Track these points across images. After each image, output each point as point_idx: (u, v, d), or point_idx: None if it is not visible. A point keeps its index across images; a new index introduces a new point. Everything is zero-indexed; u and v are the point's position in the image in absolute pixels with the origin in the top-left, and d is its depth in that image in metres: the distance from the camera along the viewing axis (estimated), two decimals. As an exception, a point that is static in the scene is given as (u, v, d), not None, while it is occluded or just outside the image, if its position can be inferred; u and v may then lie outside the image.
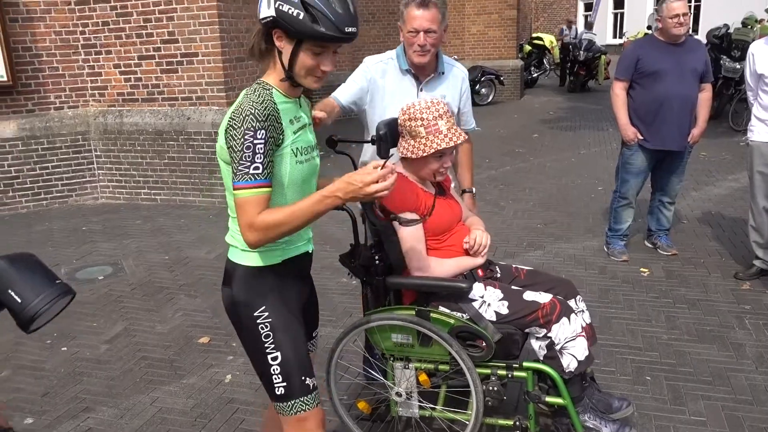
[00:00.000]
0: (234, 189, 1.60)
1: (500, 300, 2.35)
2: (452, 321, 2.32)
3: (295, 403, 1.79)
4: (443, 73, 2.78)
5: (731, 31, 10.11)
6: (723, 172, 7.00)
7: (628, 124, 4.30)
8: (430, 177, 2.44)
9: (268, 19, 1.61)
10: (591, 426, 2.38)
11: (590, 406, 2.44)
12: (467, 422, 2.37)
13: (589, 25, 17.54)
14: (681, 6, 3.97)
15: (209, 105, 6.35)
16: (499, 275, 2.55)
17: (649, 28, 16.35)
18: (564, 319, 2.31)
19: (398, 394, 2.44)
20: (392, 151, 2.43)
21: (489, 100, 13.35)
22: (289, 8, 1.58)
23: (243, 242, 1.71)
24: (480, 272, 2.47)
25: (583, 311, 2.49)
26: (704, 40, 9.37)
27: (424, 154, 2.33)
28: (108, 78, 6.63)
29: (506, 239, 5.11)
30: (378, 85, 2.74)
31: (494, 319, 2.33)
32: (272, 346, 1.78)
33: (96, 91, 6.71)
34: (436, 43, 2.64)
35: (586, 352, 2.33)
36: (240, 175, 1.59)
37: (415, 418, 2.52)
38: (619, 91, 4.35)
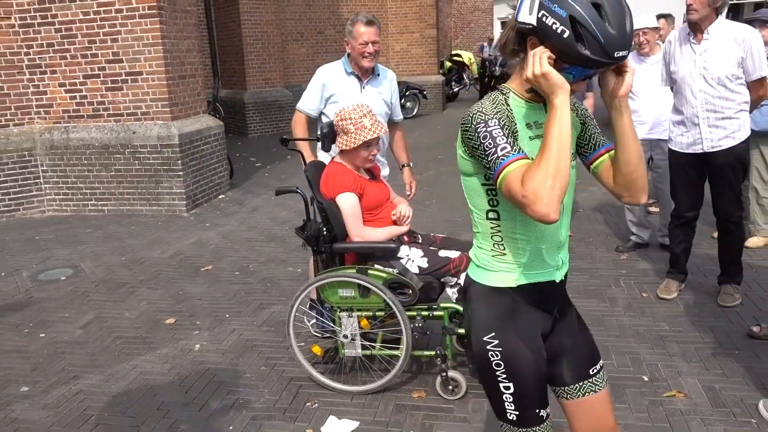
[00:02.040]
0: (495, 181, 1.48)
1: (421, 257, 3.04)
2: (385, 275, 3.00)
3: (526, 431, 1.68)
4: (379, 74, 3.64)
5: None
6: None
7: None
8: (363, 164, 3.12)
9: (527, 27, 1.47)
10: (494, 351, 3.09)
11: (493, 337, 3.16)
12: (400, 355, 3.04)
13: (503, 43, 18.79)
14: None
15: (154, 120, 6.81)
16: (420, 240, 3.25)
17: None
18: (470, 269, 3.02)
19: (345, 337, 3.08)
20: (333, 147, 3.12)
21: (414, 113, 14.23)
22: (554, 23, 1.40)
23: (481, 258, 1.69)
24: (405, 238, 3.16)
25: (485, 266, 3.21)
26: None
27: (355, 146, 3.02)
28: (53, 96, 6.98)
29: (431, 231, 5.83)
30: (330, 87, 3.54)
31: (417, 272, 3.02)
32: (504, 375, 1.64)
33: (41, 109, 7.03)
34: (379, 51, 3.52)
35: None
36: (493, 165, 1.48)
37: (359, 357, 3.17)
38: (588, 104, 5.15)
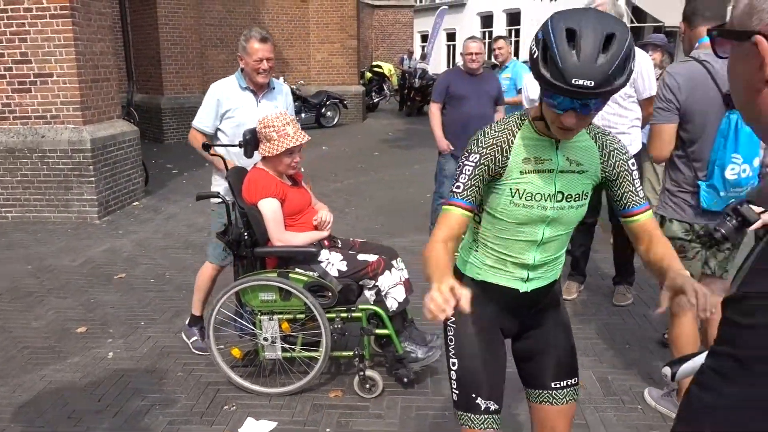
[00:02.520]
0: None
1: (341, 261, 3.14)
2: (305, 278, 3.07)
3: (461, 415, 1.79)
4: (274, 88, 3.66)
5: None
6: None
7: (442, 137, 5.34)
8: (286, 170, 3.19)
9: None
10: (409, 350, 3.23)
11: (409, 336, 3.30)
12: (319, 357, 3.11)
13: (423, 56, 19.30)
14: (475, 47, 5.11)
15: (65, 123, 6.56)
16: (339, 245, 3.35)
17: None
18: (387, 272, 3.15)
19: (265, 339, 3.13)
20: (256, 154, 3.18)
21: (334, 122, 14.33)
22: (533, 45, 1.47)
23: (462, 247, 1.86)
24: (326, 242, 3.25)
25: (402, 269, 3.34)
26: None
27: (278, 152, 3.09)
28: (-48, 96, 6.58)
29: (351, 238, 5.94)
30: (225, 103, 3.51)
31: (337, 275, 3.11)
32: (453, 351, 1.81)
33: (-62, 109, 6.62)
34: (273, 67, 3.54)
35: (405, 296, 3.19)
36: (449, 190, 1.64)
37: (279, 359, 3.22)
38: (435, 110, 5.40)
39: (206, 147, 3.41)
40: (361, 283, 3.17)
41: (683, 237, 2.74)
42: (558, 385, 1.85)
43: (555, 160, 1.65)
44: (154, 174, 8.58)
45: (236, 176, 3.31)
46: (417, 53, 24.09)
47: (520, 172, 1.63)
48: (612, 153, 1.68)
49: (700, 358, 1.32)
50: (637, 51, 3.92)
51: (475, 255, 1.81)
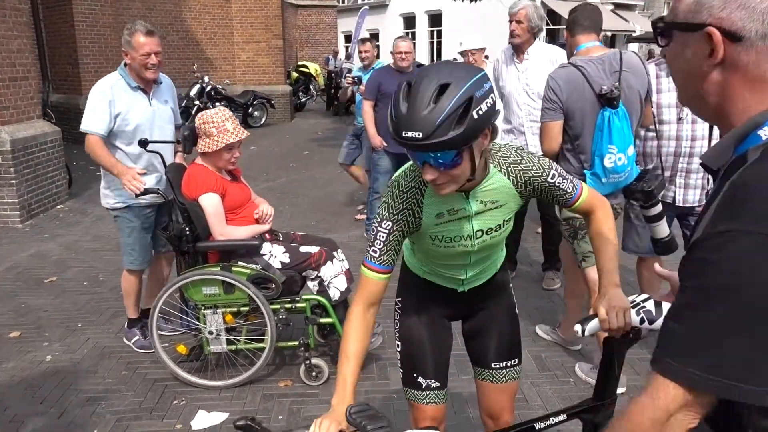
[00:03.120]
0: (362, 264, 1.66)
1: (283, 253, 3.23)
2: (249, 271, 3.14)
3: (407, 390, 1.97)
4: (161, 83, 3.59)
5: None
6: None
7: (375, 134, 5.49)
8: (225, 166, 3.25)
9: None
10: (353, 337, 3.36)
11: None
12: (265, 347, 3.19)
13: (348, 56, 19.41)
14: (405, 46, 5.29)
15: (-20, 124, 6.28)
16: (281, 238, 3.43)
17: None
18: (329, 263, 3.27)
19: (210, 333, 3.18)
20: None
21: (262, 122, 14.23)
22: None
23: (409, 247, 1.96)
24: (267, 236, 3.34)
25: (343, 260, 3.46)
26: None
27: (217, 148, 3.14)
28: None
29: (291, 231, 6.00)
30: (117, 104, 3.35)
31: (280, 267, 3.20)
32: (398, 334, 1.98)
33: None
34: (161, 62, 3.43)
35: (346, 285, 3.31)
36: (366, 252, 1.64)
37: (224, 352, 3.27)
38: (367, 108, 5.53)
39: (143, 143, 3.40)
40: (304, 274, 3.27)
41: (574, 219, 3.06)
42: (498, 366, 1.98)
43: (468, 208, 1.67)
44: (78, 176, 8.29)
45: (175, 172, 3.34)
46: (342, 53, 24.18)
47: (435, 224, 1.68)
48: (528, 182, 1.67)
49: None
50: (557, 49, 4.22)
51: (418, 258, 1.93)
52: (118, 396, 3.17)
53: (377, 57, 6.78)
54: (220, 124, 3.15)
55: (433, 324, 1.96)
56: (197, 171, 3.21)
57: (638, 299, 1.57)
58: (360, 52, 6.29)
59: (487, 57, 5.76)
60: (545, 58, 4.12)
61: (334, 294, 3.27)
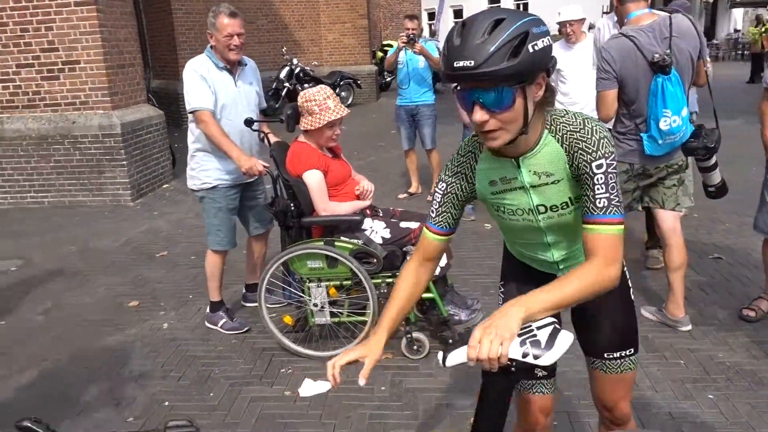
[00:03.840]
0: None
1: (384, 228, 3.28)
2: (351, 246, 3.22)
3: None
4: (246, 65, 3.64)
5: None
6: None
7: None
8: (327, 143, 3.33)
9: None
10: (452, 312, 3.39)
11: (452, 300, 3.45)
12: (367, 320, 3.27)
13: (432, 33, 19.24)
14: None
15: (94, 110, 6.72)
16: (381, 213, 3.49)
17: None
18: (429, 238, 3.29)
19: (315, 305, 3.29)
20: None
21: (349, 103, 14.39)
22: None
23: None
24: (368, 211, 3.40)
25: (441, 235, 3.48)
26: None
27: (320, 125, 3.22)
28: (-16, 86, 6.76)
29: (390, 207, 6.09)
30: (209, 82, 3.42)
31: (381, 242, 3.26)
32: None
33: (-28, 100, 6.80)
34: (244, 43, 3.48)
35: (446, 261, 3.33)
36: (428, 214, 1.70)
37: (328, 324, 3.38)
38: None
39: (249, 122, 3.53)
40: (404, 249, 3.32)
41: (622, 173, 3.24)
42: (610, 356, 1.82)
43: (520, 178, 1.56)
44: (179, 157, 8.73)
45: (279, 150, 3.45)
46: (426, 31, 23.97)
47: (491, 193, 1.62)
48: (576, 154, 1.48)
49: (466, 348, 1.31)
50: (680, 16, 4.03)
51: (505, 238, 1.88)
52: (229, 363, 3.36)
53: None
54: (321, 102, 3.23)
55: None
56: (300, 148, 3.31)
57: (536, 324, 1.31)
58: (407, 29, 6.22)
59: (591, 27, 5.55)
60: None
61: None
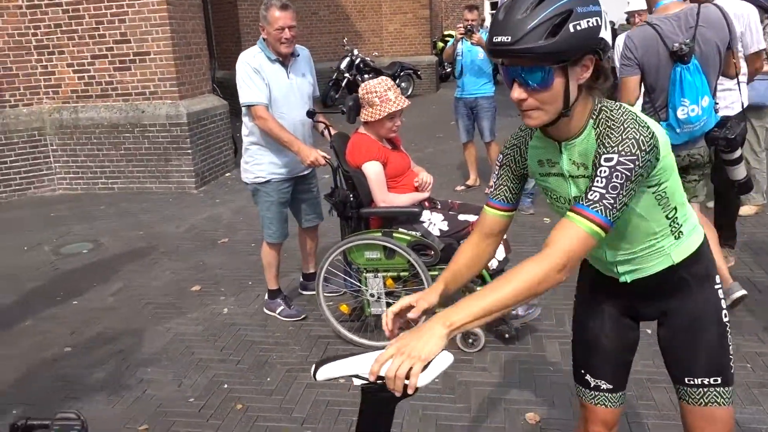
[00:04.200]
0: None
1: (442, 221, 3.27)
2: (409, 237, 3.22)
3: (576, 385, 1.81)
4: (298, 55, 3.60)
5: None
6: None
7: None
8: (387, 134, 3.34)
9: None
10: (509, 307, 3.34)
11: (508, 295, 3.40)
12: (422, 312, 3.26)
13: (494, 23, 18.93)
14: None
15: (162, 99, 6.95)
16: (439, 206, 3.47)
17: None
18: (487, 232, 3.25)
19: (371, 295, 3.31)
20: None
21: (408, 93, 14.36)
22: None
23: None
24: (426, 203, 3.39)
25: (500, 229, 3.44)
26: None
27: (380, 117, 3.23)
28: (61, 76, 7.09)
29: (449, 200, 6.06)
30: (263, 75, 3.43)
31: (438, 234, 3.25)
32: (573, 325, 1.83)
33: (50, 89, 7.15)
34: (296, 35, 3.44)
35: (504, 255, 3.29)
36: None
37: (383, 314, 3.39)
38: None
39: (311, 114, 3.57)
40: (461, 242, 3.28)
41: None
42: (692, 382, 1.61)
43: (561, 164, 1.50)
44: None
45: (340, 141, 3.47)
46: (488, 21, 23.63)
47: (539, 174, 1.60)
48: (602, 143, 1.39)
49: (345, 362, 1.30)
50: (745, 5, 3.82)
51: None
52: (286, 349, 3.42)
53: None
54: (382, 94, 3.23)
55: (609, 318, 1.72)
56: (361, 140, 3.33)
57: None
58: (466, 20, 6.09)
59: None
60: (729, 13, 3.73)
61: (492, 263, 3.26)
